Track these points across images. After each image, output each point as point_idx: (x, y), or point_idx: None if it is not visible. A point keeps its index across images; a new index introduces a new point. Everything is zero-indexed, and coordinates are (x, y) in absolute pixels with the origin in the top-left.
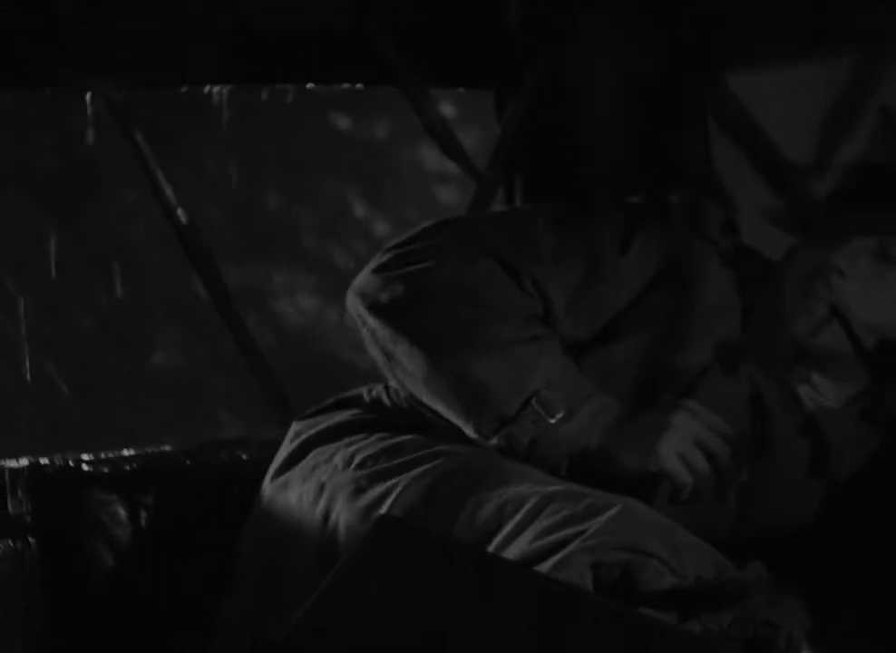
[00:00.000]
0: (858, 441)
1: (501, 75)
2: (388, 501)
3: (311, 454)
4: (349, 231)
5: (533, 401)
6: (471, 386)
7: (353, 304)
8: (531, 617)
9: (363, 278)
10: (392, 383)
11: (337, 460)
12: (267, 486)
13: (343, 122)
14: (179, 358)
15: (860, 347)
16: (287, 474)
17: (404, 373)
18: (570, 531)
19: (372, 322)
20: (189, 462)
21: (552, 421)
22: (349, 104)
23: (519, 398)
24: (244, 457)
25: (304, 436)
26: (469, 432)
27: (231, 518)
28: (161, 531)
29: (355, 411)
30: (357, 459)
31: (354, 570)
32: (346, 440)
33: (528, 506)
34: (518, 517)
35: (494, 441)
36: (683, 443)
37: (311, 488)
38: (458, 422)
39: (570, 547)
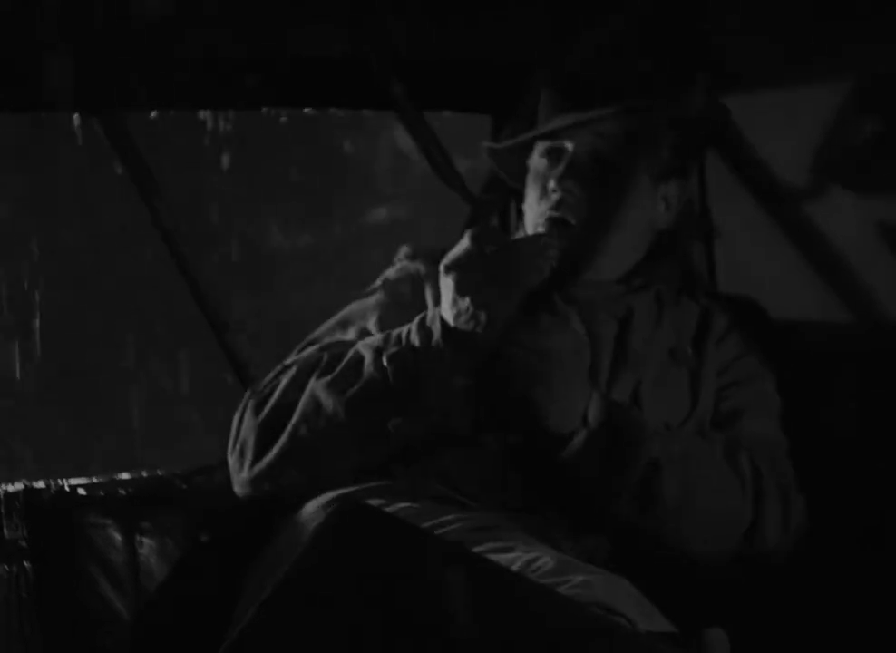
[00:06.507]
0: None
1: (497, 99)
2: None
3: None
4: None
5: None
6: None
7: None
8: (489, 601)
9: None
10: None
11: None
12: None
13: (340, 146)
14: (173, 383)
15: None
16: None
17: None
18: (552, 580)
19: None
20: (183, 486)
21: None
22: (347, 128)
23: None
24: None
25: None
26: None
27: (225, 541)
28: (156, 554)
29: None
30: None
31: (314, 557)
32: None
33: (517, 565)
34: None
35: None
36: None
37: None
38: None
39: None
